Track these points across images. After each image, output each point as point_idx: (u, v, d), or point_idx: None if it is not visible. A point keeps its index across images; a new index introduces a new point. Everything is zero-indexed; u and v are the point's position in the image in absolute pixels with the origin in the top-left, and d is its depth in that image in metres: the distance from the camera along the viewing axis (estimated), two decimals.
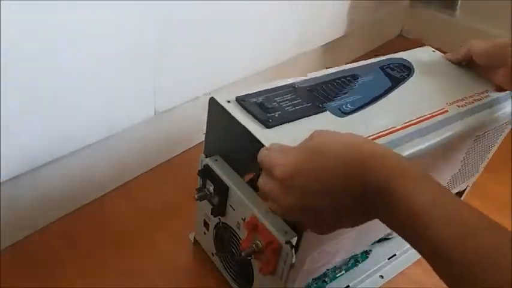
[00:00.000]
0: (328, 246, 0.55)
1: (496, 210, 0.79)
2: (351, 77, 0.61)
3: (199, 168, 0.61)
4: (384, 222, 0.39)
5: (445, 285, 0.35)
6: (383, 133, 0.52)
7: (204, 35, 0.77)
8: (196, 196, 0.61)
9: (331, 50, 1.16)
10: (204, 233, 0.66)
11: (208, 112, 0.55)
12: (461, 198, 0.77)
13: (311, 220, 0.41)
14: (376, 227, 0.58)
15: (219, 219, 0.61)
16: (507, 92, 0.64)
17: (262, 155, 0.43)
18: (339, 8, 1.08)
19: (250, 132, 0.49)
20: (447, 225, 0.35)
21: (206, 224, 0.65)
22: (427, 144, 0.53)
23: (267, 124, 0.50)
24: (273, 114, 0.51)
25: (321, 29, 1.06)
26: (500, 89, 0.63)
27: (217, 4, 0.76)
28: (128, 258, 0.70)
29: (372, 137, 0.51)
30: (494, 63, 0.62)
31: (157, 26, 0.69)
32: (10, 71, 0.54)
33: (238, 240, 0.58)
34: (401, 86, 0.61)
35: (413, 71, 0.65)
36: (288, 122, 0.51)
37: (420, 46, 0.74)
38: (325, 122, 0.53)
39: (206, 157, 0.59)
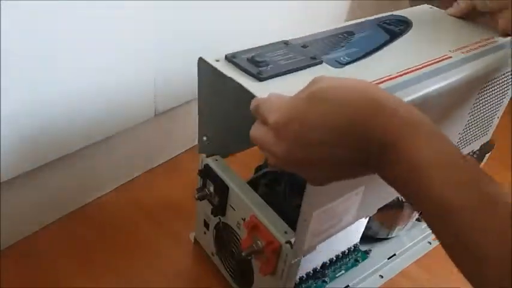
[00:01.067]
0: (332, 204, 0.52)
1: None
2: (347, 33, 0.59)
3: (199, 168, 0.61)
4: (383, 179, 0.36)
5: None
6: (383, 79, 0.49)
7: (204, 35, 0.77)
8: (196, 196, 0.61)
9: None
10: (204, 233, 0.66)
11: (198, 74, 0.53)
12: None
13: (306, 171, 0.38)
14: (383, 190, 0.56)
15: (219, 219, 0.61)
16: None
17: (256, 100, 0.39)
18: (339, 8, 1.08)
19: (242, 86, 0.45)
20: (457, 189, 0.32)
21: (206, 224, 0.65)
22: (428, 89, 0.50)
23: (259, 77, 0.46)
24: (265, 67, 0.48)
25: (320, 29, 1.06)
26: (505, 34, 0.61)
27: (216, 4, 0.76)
28: (127, 258, 0.70)
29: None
30: (497, 7, 0.59)
31: (156, 26, 0.69)
32: (11, 73, 0.54)
33: (238, 240, 0.58)
34: (400, 38, 0.59)
35: (412, 25, 0.63)
36: (282, 75, 0.48)
37: None
38: (322, 73, 0.49)
39: (207, 157, 0.59)
